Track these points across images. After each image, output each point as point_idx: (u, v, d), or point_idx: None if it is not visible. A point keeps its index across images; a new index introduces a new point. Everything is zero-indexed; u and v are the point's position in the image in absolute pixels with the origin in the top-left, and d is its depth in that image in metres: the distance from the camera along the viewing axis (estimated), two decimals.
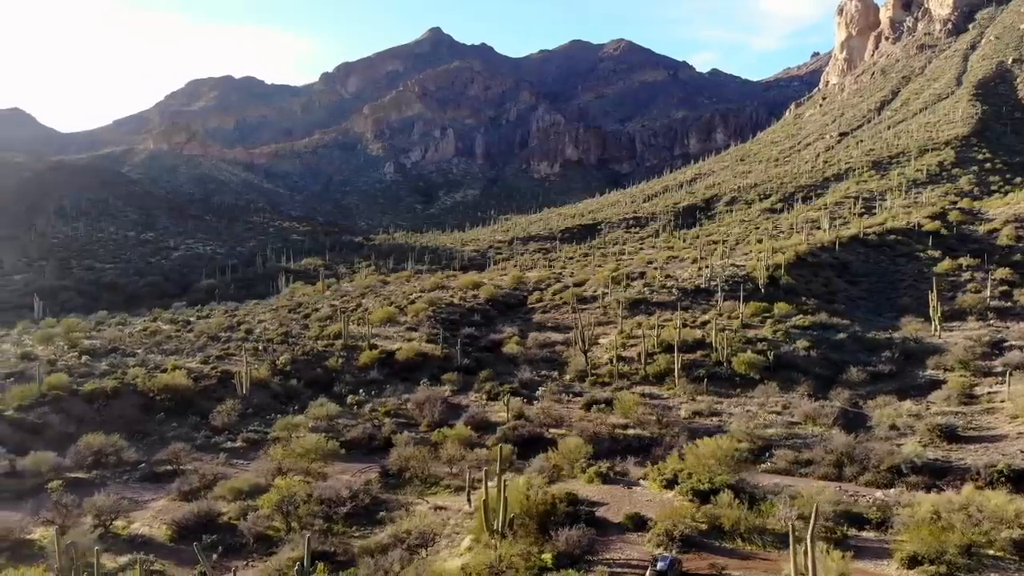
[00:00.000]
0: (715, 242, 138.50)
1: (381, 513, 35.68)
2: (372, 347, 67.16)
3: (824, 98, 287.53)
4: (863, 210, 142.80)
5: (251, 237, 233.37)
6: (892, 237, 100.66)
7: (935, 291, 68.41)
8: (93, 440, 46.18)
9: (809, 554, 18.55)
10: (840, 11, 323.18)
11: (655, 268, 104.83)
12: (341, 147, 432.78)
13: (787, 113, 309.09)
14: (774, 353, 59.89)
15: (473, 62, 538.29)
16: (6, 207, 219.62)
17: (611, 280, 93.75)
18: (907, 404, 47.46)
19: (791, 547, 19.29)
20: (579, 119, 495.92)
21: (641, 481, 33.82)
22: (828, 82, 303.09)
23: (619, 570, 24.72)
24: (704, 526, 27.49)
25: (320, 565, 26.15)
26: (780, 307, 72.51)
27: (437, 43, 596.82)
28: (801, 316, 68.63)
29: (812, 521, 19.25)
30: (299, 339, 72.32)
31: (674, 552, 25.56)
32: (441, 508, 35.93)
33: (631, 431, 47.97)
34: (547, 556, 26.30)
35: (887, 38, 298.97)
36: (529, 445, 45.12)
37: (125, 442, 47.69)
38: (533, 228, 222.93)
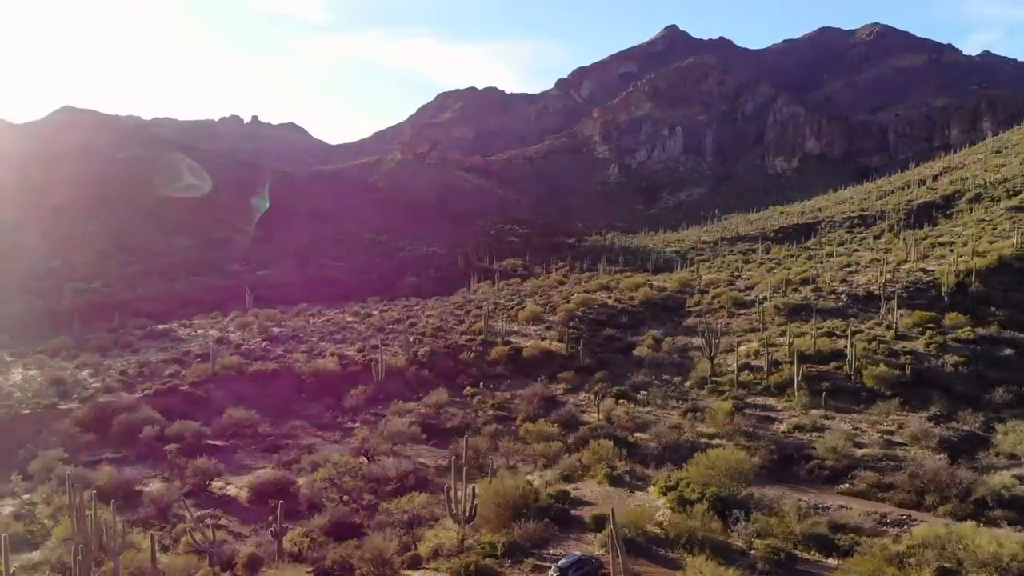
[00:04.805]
0: (941, 244, 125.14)
1: (424, 493, 38.44)
2: (505, 343, 70.26)
3: None
4: None
5: (473, 239, 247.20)
6: None
7: None
8: (235, 414, 53.91)
9: (621, 560, 18.39)
10: None
11: (850, 271, 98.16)
12: (570, 151, 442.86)
13: None
14: (914, 368, 54.24)
15: (708, 58, 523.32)
16: (272, 211, 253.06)
17: (784, 284, 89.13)
18: None
19: (611, 558, 19.17)
20: (823, 110, 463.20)
21: (650, 487, 33.48)
22: None
23: (548, 564, 25.43)
24: (662, 533, 27.17)
25: (297, 529, 29.52)
26: (952, 317, 64.88)
27: (672, 41, 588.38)
28: (968, 328, 61.00)
29: (613, 531, 18.96)
30: (448, 333, 77.34)
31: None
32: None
33: (715, 441, 46.45)
34: (499, 545, 27.61)
35: None
36: None
37: (261, 417, 55.03)
38: (749, 227, 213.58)
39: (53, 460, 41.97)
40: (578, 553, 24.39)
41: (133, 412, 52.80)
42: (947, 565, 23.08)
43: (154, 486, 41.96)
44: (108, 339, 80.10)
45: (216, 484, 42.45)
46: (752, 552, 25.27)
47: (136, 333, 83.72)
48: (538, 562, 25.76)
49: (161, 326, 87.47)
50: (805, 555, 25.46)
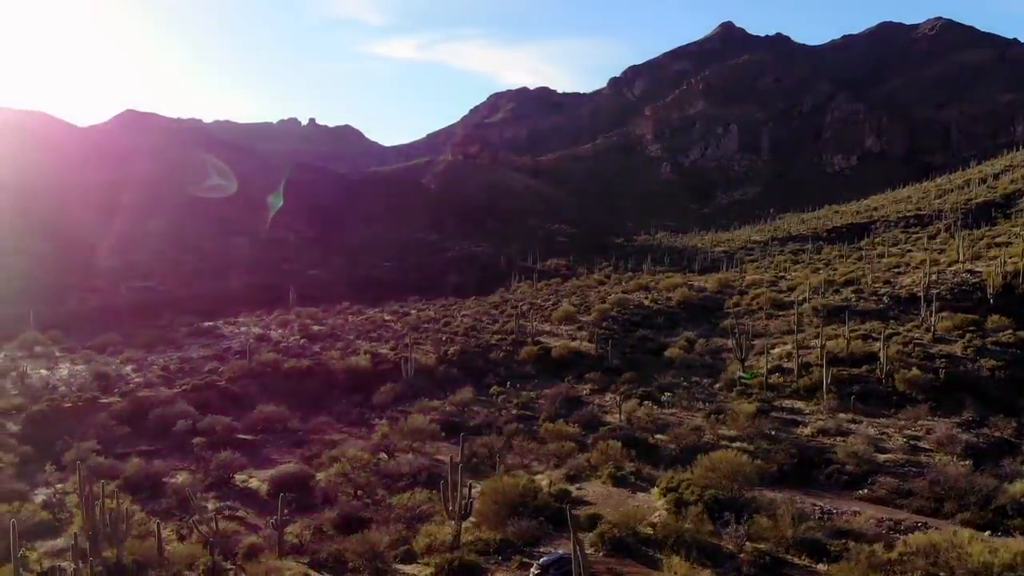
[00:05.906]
0: (998, 244, 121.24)
1: (428, 490, 38.94)
2: (535, 343, 70.55)
3: None
4: None
5: (520, 239, 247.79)
6: None
7: None
8: (265, 409, 55.34)
9: (580, 560, 18.57)
10: None
11: (897, 272, 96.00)
12: (621, 150, 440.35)
13: None
14: (947, 372, 52.85)
15: (764, 54, 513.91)
16: (326, 212, 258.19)
17: (824, 285, 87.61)
18: None
19: (572, 550, 19.36)
20: (883, 107, 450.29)
21: (653, 488, 33.45)
22: None
23: (534, 561, 25.71)
24: (654, 534, 27.21)
25: (300, 522, 30.38)
26: (994, 320, 62.95)
27: (727, 38, 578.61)
28: (1010, 332, 59.08)
29: (572, 528, 19.12)
30: (481, 332, 77.99)
31: (602, 555, 25.93)
32: None
33: (736, 444, 45.98)
34: (492, 542, 28.02)
35: None
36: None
37: (292, 413, 56.36)
38: (801, 227, 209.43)
39: (87, 451, 43.84)
40: (561, 551, 24.59)
41: (169, 406, 54.58)
42: (941, 573, 22.62)
43: (180, 478, 43.43)
44: (155, 336, 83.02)
45: (239, 477, 43.70)
46: (740, 555, 25.11)
47: (182, 330, 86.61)
48: (526, 559, 26.08)
49: (207, 323, 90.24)
50: (795, 560, 25.19)
